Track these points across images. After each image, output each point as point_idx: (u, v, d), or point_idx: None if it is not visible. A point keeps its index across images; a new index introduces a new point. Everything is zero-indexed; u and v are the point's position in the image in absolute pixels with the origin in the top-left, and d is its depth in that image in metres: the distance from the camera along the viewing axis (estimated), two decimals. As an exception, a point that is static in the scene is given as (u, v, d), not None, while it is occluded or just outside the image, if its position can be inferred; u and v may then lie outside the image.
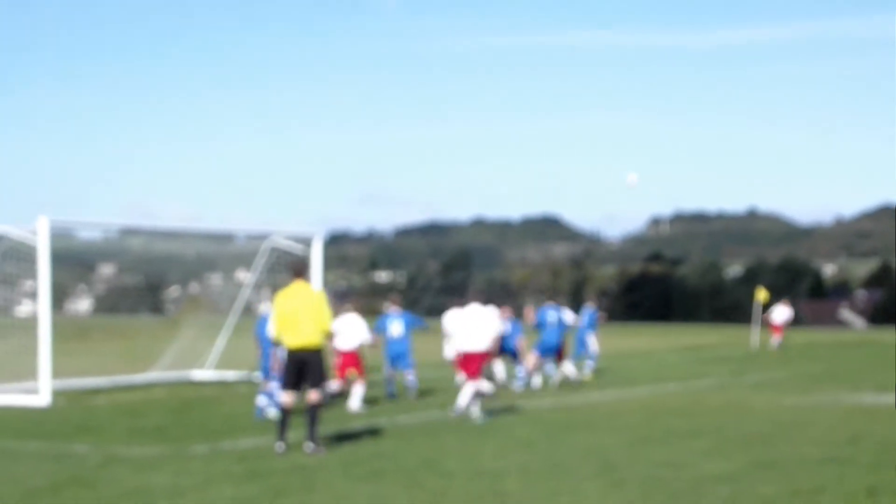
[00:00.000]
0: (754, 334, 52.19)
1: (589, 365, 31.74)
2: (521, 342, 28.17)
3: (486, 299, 21.65)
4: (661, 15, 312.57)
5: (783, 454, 15.89)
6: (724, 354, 44.59)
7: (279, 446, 16.15)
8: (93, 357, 36.10)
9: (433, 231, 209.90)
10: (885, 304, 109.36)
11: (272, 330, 17.29)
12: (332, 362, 24.20)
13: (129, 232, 31.61)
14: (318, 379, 16.53)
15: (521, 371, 27.92)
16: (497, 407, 22.65)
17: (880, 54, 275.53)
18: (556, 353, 28.37)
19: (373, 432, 18.49)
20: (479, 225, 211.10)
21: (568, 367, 28.74)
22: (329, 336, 17.16)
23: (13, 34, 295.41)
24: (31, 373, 24.62)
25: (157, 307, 53.15)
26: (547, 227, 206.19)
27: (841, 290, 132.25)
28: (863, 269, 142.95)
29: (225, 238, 33.32)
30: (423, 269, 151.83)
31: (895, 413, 21.48)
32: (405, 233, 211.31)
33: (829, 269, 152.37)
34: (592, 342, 31.95)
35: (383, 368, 26.03)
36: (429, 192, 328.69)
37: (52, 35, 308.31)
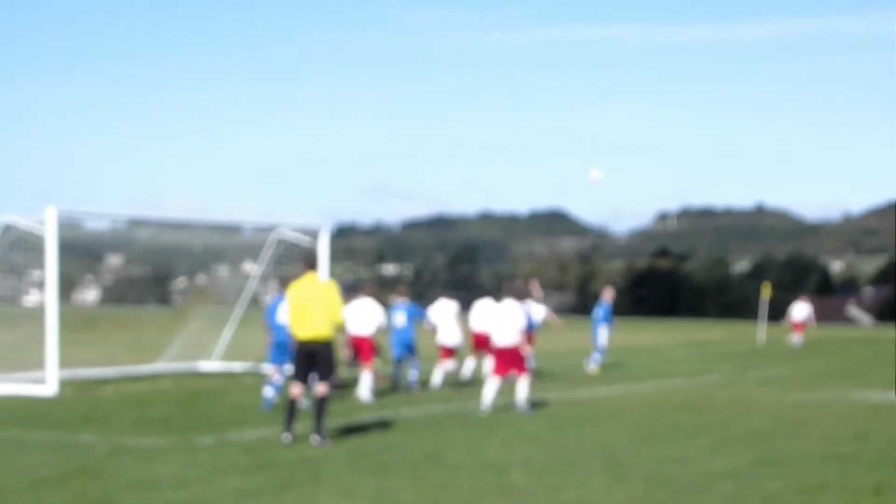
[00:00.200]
0: (761, 330, 52.16)
1: (595, 359, 31.71)
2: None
3: (520, 295, 21.80)
4: (670, 10, 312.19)
5: (788, 451, 15.90)
6: (730, 350, 44.57)
7: (286, 437, 16.19)
8: (100, 347, 36.18)
9: (440, 224, 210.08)
10: (892, 301, 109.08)
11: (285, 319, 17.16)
12: (343, 352, 24.30)
13: (136, 223, 31.63)
14: (327, 371, 16.56)
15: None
16: (502, 401, 22.70)
17: (889, 51, 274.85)
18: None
19: (378, 425, 18.52)
20: (486, 219, 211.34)
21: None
22: (340, 328, 17.18)
23: (22, 25, 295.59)
24: (38, 362, 24.67)
25: (164, 298, 53.16)
26: (554, 222, 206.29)
27: (848, 286, 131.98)
28: (870, 265, 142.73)
29: (232, 230, 33.35)
30: (430, 262, 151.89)
31: (901, 410, 21.46)
32: (412, 226, 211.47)
33: (836, 266, 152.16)
34: (602, 336, 31.89)
35: (389, 357, 26.17)
36: (436, 185, 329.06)
37: (61, 27, 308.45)
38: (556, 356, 36.59)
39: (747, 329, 61.46)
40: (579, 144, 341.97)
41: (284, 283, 24.29)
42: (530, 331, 27.49)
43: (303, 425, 16.80)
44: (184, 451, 15.57)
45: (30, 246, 25.64)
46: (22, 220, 25.65)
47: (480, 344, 26.52)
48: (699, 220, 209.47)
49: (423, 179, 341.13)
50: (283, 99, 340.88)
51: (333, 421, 17.98)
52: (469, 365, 27.66)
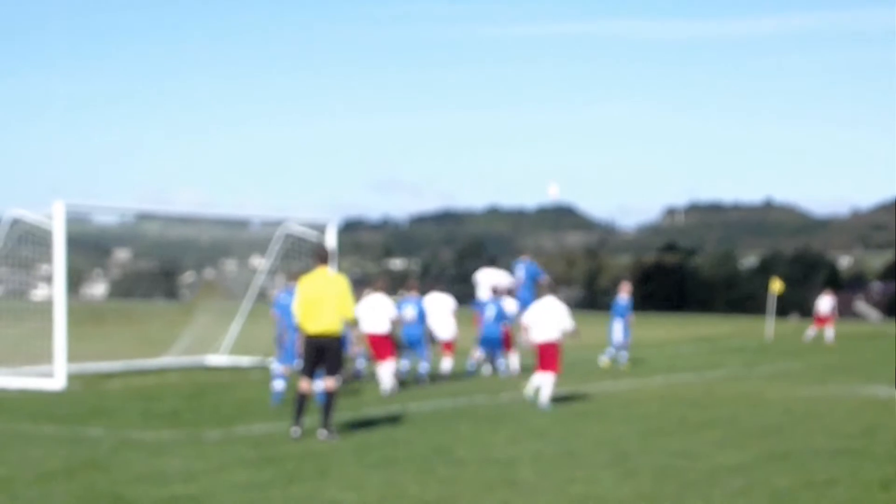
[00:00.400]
0: (769, 325, 52.08)
1: (609, 352, 31.70)
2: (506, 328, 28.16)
3: (631, 290, 22.19)
4: (679, 5, 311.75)
5: (797, 446, 15.87)
6: (738, 345, 44.48)
7: (295, 431, 16.18)
8: (108, 341, 36.19)
9: (448, 219, 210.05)
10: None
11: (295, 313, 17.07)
12: (354, 349, 24.35)
13: (144, 217, 31.65)
14: (335, 366, 16.54)
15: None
16: (510, 396, 22.69)
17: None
18: (498, 345, 27.73)
19: (386, 420, 18.51)
20: (494, 213, 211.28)
21: (512, 359, 28.23)
22: (351, 323, 17.15)
23: (30, 20, 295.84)
24: (46, 356, 24.70)
25: (171, 292, 53.23)
26: (561, 217, 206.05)
27: (856, 282, 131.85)
28: (878, 261, 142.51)
29: (240, 224, 33.37)
30: (438, 256, 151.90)
31: (909, 406, 21.43)
32: (420, 220, 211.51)
33: (844, 261, 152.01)
34: (617, 330, 31.88)
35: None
36: (444, 179, 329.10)
37: (69, 22, 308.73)
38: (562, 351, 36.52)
39: (755, 324, 61.32)
40: (587, 139, 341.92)
41: (291, 277, 24.34)
42: (507, 324, 27.64)
43: (310, 419, 16.80)
44: (191, 445, 15.57)
45: (38, 240, 25.67)
46: (30, 215, 25.67)
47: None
48: (707, 215, 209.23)
49: (431, 174, 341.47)
50: (291, 93, 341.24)
51: (341, 415, 17.98)
52: (477, 356, 28.00)
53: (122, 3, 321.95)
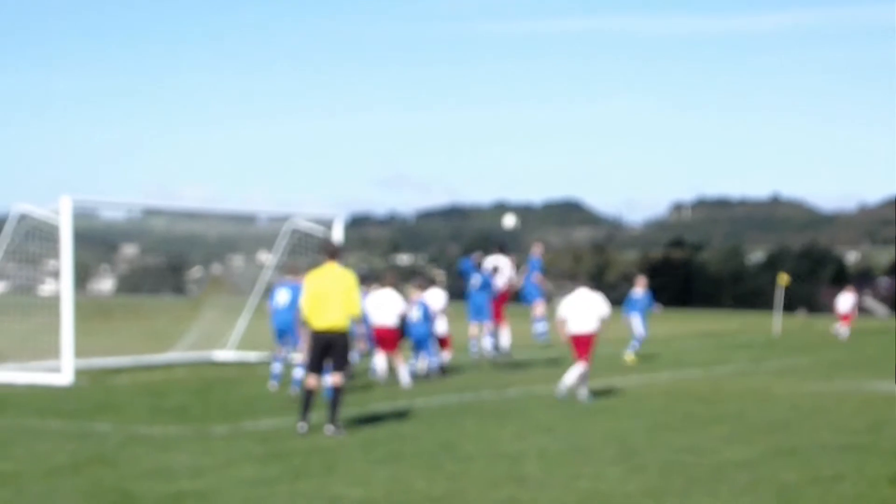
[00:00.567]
0: (776, 321, 52.04)
1: (633, 346, 31.74)
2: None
3: (595, 285, 22.28)
4: (685, 0, 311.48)
5: (804, 441, 15.87)
6: (745, 341, 44.47)
7: (301, 426, 16.19)
8: (115, 337, 36.21)
9: (455, 214, 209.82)
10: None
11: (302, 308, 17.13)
12: (360, 345, 24.42)
13: (151, 212, 31.69)
14: (342, 361, 16.54)
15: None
16: (517, 391, 22.70)
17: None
18: (485, 313, 27.62)
19: (392, 415, 18.52)
20: (501, 209, 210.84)
21: (504, 336, 28.35)
22: (357, 319, 17.16)
23: (36, 14, 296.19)
24: (53, 352, 24.72)
25: (179, 288, 53.24)
26: (568, 212, 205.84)
27: (863, 277, 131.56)
28: (886, 256, 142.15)
29: (247, 219, 33.40)
30: (445, 252, 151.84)
31: (917, 401, 21.40)
32: (427, 216, 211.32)
33: (851, 257, 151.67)
34: (636, 324, 31.93)
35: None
36: (451, 175, 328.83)
37: (75, 16, 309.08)
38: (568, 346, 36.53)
39: (762, 319, 61.30)
40: (594, 135, 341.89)
41: (289, 270, 24.48)
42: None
43: (317, 415, 16.80)
44: (198, 441, 15.59)
45: (45, 236, 25.70)
46: (37, 210, 25.70)
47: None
48: (714, 210, 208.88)
49: (438, 169, 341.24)
50: (298, 89, 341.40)
51: (347, 411, 17.98)
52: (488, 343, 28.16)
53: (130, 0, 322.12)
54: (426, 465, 13.63)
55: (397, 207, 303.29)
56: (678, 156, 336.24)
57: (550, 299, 31.40)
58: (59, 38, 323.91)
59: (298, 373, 21.55)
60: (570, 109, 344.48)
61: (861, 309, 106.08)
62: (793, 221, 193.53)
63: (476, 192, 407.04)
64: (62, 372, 24.24)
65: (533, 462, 13.83)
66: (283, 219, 31.48)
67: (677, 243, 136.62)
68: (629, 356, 31.17)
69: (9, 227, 25.93)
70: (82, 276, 35.37)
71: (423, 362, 25.48)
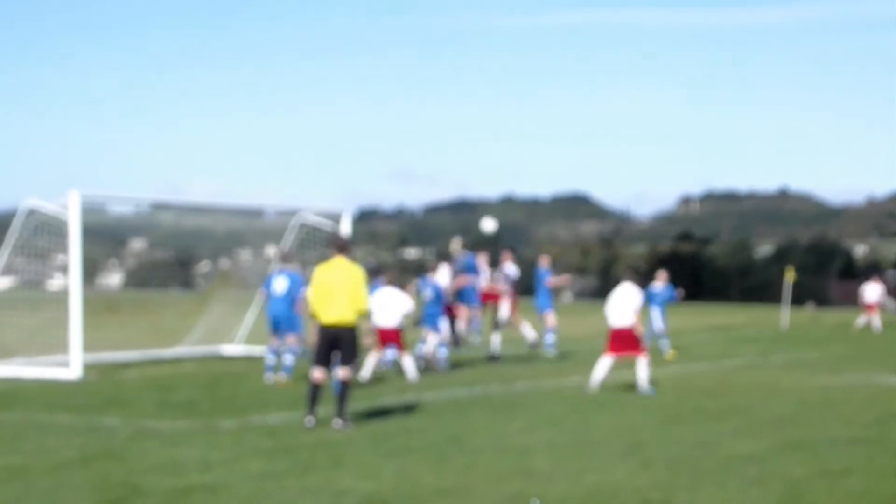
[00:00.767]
0: (784, 314, 51.99)
1: (663, 343, 31.77)
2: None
3: (638, 278, 22.31)
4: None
5: (812, 435, 15.85)
6: (753, 334, 44.43)
7: (309, 420, 16.19)
8: (123, 331, 36.24)
9: (463, 208, 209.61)
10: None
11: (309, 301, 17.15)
12: (367, 340, 24.45)
13: (159, 207, 31.67)
14: (350, 356, 16.55)
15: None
16: (525, 384, 22.70)
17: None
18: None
19: (400, 409, 18.53)
20: (509, 202, 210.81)
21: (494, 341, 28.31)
22: (364, 315, 17.16)
23: (46, 9, 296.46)
24: (62, 346, 24.76)
25: (187, 282, 53.29)
26: (576, 206, 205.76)
27: (872, 270, 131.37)
28: (894, 249, 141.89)
29: (254, 213, 33.40)
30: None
31: (925, 394, 21.37)
32: (435, 210, 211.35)
33: (860, 250, 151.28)
34: (656, 318, 31.97)
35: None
36: (459, 169, 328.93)
37: (84, 11, 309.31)
38: (577, 340, 36.53)
39: (770, 313, 61.22)
40: (602, 128, 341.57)
41: (286, 258, 24.51)
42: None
43: (325, 409, 16.81)
44: (206, 435, 15.61)
45: (53, 230, 25.73)
46: (45, 205, 25.73)
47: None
48: (722, 203, 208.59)
49: (446, 163, 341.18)
50: (305, 83, 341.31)
51: (356, 405, 17.99)
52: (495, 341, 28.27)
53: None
54: (434, 458, 13.64)
55: (405, 201, 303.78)
56: (686, 149, 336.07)
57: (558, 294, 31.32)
58: (68, 34, 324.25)
59: (289, 359, 22.51)
60: (578, 103, 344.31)
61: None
62: (801, 215, 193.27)
63: (484, 185, 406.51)
64: (70, 366, 24.27)
65: (541, 456, 13.84)
66: (291, 213, 31.48)
67: (685, 237, 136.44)
68: (668, 354, 31.11)
69: (17, 222, 25.97)
70: (90, 270, 35.41)
71: (432, 343, 25.56)
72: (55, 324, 25.28)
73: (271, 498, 11.37)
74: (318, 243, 30.69)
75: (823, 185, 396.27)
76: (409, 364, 23.59)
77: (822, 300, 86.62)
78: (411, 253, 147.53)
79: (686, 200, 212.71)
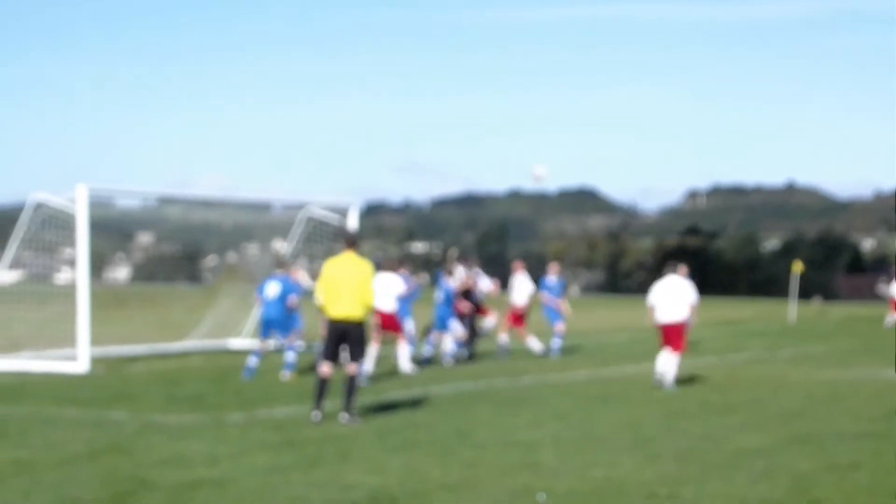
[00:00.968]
0: (791, 308, 51.95)
1: None
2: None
3: (688, 272, 22.33)
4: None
5: (819, 429, 15.84)
6: (760, 329, 44.42)
7: (315, 415, 16.19)
8: (130, 325, 36.30)
9: (470, 202, 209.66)
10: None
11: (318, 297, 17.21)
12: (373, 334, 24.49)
13: (167, 201, 31.70)
14: (358, 351, 16.54)
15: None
16: (531, 379, 22.70)
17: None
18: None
19: (407, 403, 18.53)
20: (516, 197, 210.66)
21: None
22: (372, 310, 17.18)
23: (51, 3, 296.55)
24: (69, 340, 24.80)
25: (194, 276, 53.37)
26: (583, 200, 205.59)
27: (879, 264, 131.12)
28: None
29: (262, 207, 33.42)
30: (460, 240, 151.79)
31: (933, 389, 21.33)
32: (442, 204, 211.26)
33: (867, 244, 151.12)
34: None
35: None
36: (466, 163, 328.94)
37: (92, 4, 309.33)
38: (584, 334, 36.53)
39: (778, 307, 61.21)
40: (609, 123, 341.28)
41: (314, 260, 24.72)
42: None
43: (332, 403, 16.82)
44: (214, 429, 15.62)
45: (61, 224, 25.76)
46: (53, 199, 25.76)
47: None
48: (729, 197, 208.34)
49: (453, 157, 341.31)
50: (313, 76, 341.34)
51: (362, 399, 17.99)
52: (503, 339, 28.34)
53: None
54: (440, 452, 13.64)
55: (412, 195, 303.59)
56: (693, 143, 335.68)
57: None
58: (76, 27, 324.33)
59: (291, 356, 22.75)
60: (586, 97, 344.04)
61: (875, 296, 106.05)
62: (808, 209, 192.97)
63: (491, 180, 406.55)
64: (78, 360, 24.30)
65: (547, 450, 13.83)
66: (298, 207, 31.50)
67: (692, 231, 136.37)
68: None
69: (25, 216, 26.00)
70: (98, 264, 35.50)
71: (447, 343, 25.67)
72: (63, 318, 25.31)
73: (278, 492, 11.37)
74: (326, 237, 30.71)
75: (831, 179, 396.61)
76: (403, 354, 23.53)
77: (830, 294, 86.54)
78: (418, 247, 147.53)
79: (693, 195, 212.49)
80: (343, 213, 30.52)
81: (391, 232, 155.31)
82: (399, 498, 11.07)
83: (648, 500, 11.09)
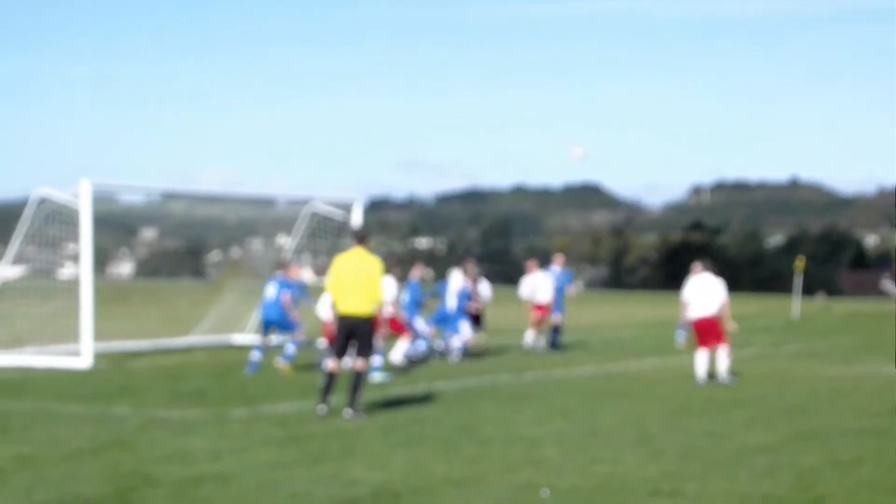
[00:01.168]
0: (795, 304, 51.92)
1: (679, 334, 31.74)
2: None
3: (716, 269, 22.62)
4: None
5: (823, 425, 15.82)
6: (764, 324, 44.39)
7: (321, 409, 16.19)
8: (134, 320, 36.32)
9: (474, 198, 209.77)
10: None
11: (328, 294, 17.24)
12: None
13: (170, 196, 31.69)
14: (366, 347, 16.52)
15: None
16: (535, 375, 22.69)
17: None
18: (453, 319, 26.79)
19: (411, 399, 18.53)
20: (520, 192, 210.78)
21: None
22: (381, 305, 17.19)
23: (50, 1, 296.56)
24: (73, 335, 24.80)
25: (198, 271, 53.38)
26: (588, 195, 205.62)
27: (883, 260, 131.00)
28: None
29: (266, 203, 33.42)
30: (464, 235, 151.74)
31: (937, 385, 21.32)
32: (446, 199, 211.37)
33: (871, 240, 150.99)
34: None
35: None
36: (470, 158, 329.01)
37: (92, 2, 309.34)
38: (588, 330, 36.52)
39: (782, 303, 61.16)
40: (614, 118, 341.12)
41: (317, 256, 24.81)
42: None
43: (337, 398, 16.81)
44: (217, 424, 15.62)
45: (64, 219, 25.76)
46: (57, 194, 25.76)
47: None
48: (733, 193, 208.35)
49: (457, 153, 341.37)
50: (317, 72, 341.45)
51: (367, 394, 17.98)
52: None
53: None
54: (445, 448, 13.63)
55: (416, 191, 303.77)
56: (697, 139, 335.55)
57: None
58: (81, 24, 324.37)
59: (290, 348, 23.05)
60: (590, 93, 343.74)
61: (879, 292, 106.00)
62: (812, 205, 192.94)
63: (495, 175, 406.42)
64: (81, 356, 24.31)
65: (551, 446, 13.82)
66: (303, 202, 31.49)
67: (696, 227, 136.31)
68: (681, 344, 31.08)
69: (29, 211, 26.00)
70: (102, 259, 35.53)
71: (456, 342, 25.76)
72: (66, 313, 25.32)
73: (281, 487, 11.36)
74: (330, 232, 30.71)
75: (834, 175, 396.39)
76: (400, 347, 23.76)
77: (833, 290, 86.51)
78: (422, 242, 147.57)
79: (697, 190, 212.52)
80: (347, 208, 30.52)
81: (395, 227, 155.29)
82: (403, 493, 11.06)
83: (651, 496, 11.07)
